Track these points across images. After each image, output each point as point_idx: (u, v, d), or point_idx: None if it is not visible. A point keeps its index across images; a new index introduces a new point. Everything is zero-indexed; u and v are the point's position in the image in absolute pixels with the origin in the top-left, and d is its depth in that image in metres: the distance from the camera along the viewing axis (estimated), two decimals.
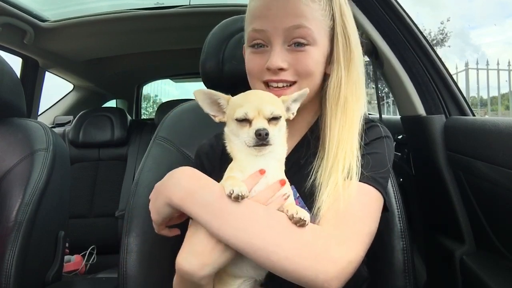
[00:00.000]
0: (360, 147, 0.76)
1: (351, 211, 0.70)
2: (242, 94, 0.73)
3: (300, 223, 0.65)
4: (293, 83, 0.80)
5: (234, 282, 0.73)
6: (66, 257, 2.07)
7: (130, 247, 0.96)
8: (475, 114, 1.26)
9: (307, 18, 0.77)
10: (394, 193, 0.97)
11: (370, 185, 0.74)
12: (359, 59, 0.83)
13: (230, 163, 0.75)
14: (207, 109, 0.74)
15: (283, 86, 0.80)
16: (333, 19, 0.81)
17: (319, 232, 0.68)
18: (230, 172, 0.71)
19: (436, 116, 1.21)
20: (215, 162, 0.88)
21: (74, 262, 2.16)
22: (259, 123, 0.67)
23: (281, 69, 0.78)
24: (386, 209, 0.79)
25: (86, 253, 2.27)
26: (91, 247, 2.31)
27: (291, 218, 0.66)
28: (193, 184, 0.70)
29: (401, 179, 1.53)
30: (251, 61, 0.84)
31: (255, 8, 0.81)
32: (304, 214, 0.65)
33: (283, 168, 0.74)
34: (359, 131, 0.78)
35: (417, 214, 1.50)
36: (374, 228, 0.72)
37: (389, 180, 0.97)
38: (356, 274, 0.71)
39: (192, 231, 0.70)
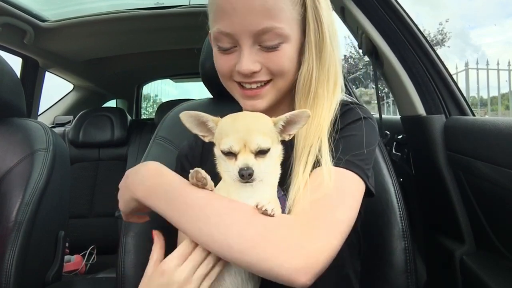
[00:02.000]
0: (332, 133, 0.72)
1: (323, 198, 0.64)
2: (231, 118, 0.68)
3: (265, 213, 0.61)
4: (268, 81, 0.76)
5: None
6: (66, 257, 2.08)
7: (128, 247, 0.96)
8: (475, 114, 1.26)
9: (276, 15, 0.70)
10: (395, 193, 0.97)
11: (345, 168, 0.68)
12: (333, 42, 0.76)
13: (209, 162, 0.73)
14: (195, 130, 0.70)
15: (257, 87, 0.76)
16: (304, 4, 0.74)
17: (285, 221, 0.63)
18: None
19: (436, 116, 1.21)
20: (194, 163, 0.85)
21: (74, 262, 2.16)
22: (243, 160, 0.62)
23: (254, 72, 0.74)
24: (370, 194, 0.72)
25: (86, 253, 2.27)
26: (91, 247, 2.31)
27: (259, 208, 0.62)
28: (156, 180, 0.69)
29: (401, 179, 1.53)
30: (219, 60, 0.78)
31: (219, 6, 0.73)
32: (271, 206, 0.61)
33: (275, 190, 0.70)
34: (332, 118, 0.74)
35: (417, 214, 1.50)
36: (352, 213, 0.66)
37: (390, 180, 0.97)
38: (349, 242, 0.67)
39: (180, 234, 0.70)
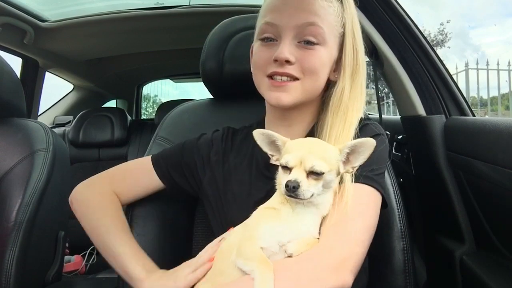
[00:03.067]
0: None
1: (345, 214, 0.69)
2: (299, 140, 0.72)
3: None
4: (296, 79, 0.80)
5: None
6: (66, 257, 2.07)
7: None
8: (475, 114, 1.26)
9: (320, 18, 0.78)
10: (394, 193, 0.97)
11: (365, 184, 0.73)
12: (364, 74, 0.83)
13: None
14: (266, 148, 0.74)
15: (286, 80, 0.80)
16: (344, 27, 0.82)
17: (309, 254, 0.67)
18: (266, 211, 0.72)
19: (436, 116, 1.21)
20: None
21: (74, 262, 2.16)
22: (294, 175, 0.65)
23: (288, 62, 0.78)
24: (385, 205, 0.78)
25: (86, 253, 2.27)
26: (91, 247, 2.30)
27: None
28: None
29: (401, 179, 1.53)
30: (259, 52, 0.83)
31: (270, 2, 0.82)
32: (293, 247, 0.66)
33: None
34: (352, 136, 0.78)
35: (417, 214, 1.50)
36: (371, 222, 0.72)
37: (389, 180, 0.98)
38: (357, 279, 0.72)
39: None
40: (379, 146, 0.76)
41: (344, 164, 0.69)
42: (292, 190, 0.63)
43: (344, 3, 0.83)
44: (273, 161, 0.74)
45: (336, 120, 0.79)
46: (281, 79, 0.80)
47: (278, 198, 0.72)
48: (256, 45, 0.85)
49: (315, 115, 0.89)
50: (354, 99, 0.81)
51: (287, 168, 0.66)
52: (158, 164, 0.92)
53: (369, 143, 0.67)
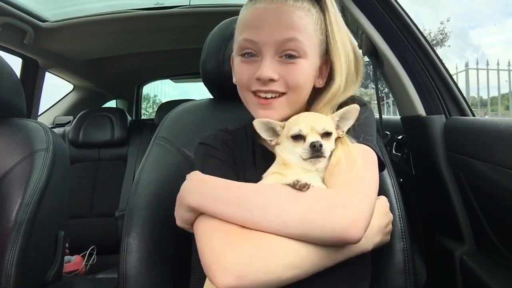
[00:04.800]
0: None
1: (357, 170, 0.72)
2: (294, 116, 0.79)
3: (304, 187, 0.68)
4: (282, 94, 0.81)
5: None
6: (66, 258, 2.07)
7: (130, 247, 0.96)
8: (475, 114, 1.26)
9: (299, 31, 0.78)
10: (394, 193, 0.97)
11: (364, 143, 0.78)
12: (361, 64, 0.86)
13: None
14: (264, 135, 0.79)
15: (272, 97, 0.81)
16: (324, 33, 0.82)
17: (325, 192, 0.70)
18: (273, 175, 0.77)
19: (436, 116, 1.21)
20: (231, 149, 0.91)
21: (74, 262, 2.16)
22: (313, 137, 0.73)
23: (271, 80, 0.78)
24: (382, 167, 0.82)
25: (86, 254, 2.27)
26: (91, 247, 2.31)
27: (294, 185, 0.68)
28: (203, 187, 0.75)
29: (401, 179, 1.53)
30: (241, 70, 0.83)
31: (248, 18, 0.81)
32: (305, 178, 0.69)
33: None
34: None
35: (417, 214, 1.50)
36: (376, 175, 0.76)
37: (389, 180, 0.98)
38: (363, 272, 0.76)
39: None
40: (367, 114, 0.83)
41: (336, 129, 0.79)
42: (319, 148, 0.71)
43: (323, 6, 0.82)
44: (272, 143, 0.80)
45: (325, 109, 0.83)
46: (266, 96, 0.81)
47: (277, 166, 0.78)
48: (236, 61, 0.85)
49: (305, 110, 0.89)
50: (347, 91, 0.84)
51: (300, 137, 0.74)
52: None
53: (354, 108, 0.78)
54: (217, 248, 0.67)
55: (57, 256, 1.24)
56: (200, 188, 0.75)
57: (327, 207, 0.67)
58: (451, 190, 1.17)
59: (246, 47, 0.80)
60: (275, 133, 0.79)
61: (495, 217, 1.04)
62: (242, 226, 0.69)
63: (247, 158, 0.89)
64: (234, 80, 0.90)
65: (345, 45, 0.83)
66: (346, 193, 0.69)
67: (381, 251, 0.88)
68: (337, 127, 0.79)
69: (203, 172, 0.79)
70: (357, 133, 0.79)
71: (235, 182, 0.74)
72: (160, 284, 0.91)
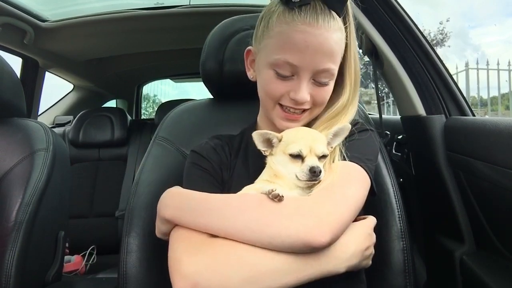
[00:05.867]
0: (343, 144, 0.82)
1: (330, 183, 0.73)
2: (293, 131, 0.81)
3: (276, 197, 0.69)
4: (307, 109, 0.85)
5: None
6: (66, 257, 2.07)
7: (130, 247, 0.96)
8: (475, 114, 1.26)
9: (335, 60, 0.81)
10: (394, 193, 0.97)
11: (353, 162, 0.78)
12: (358, 79, 0.89)
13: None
14: (260, 146, 0.80)
15: (297, 113, 0.85)
16: (344, 43, 0.84)
17: (294, 199, 0.71)
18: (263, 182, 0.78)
19: (436, 116, 1.21)
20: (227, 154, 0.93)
21: (74, 262, 2.15)
22: (313, 161, 0.73)
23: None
24: (373, 193, 0.80)
25: (86, 253, 2.27)
26: (91, 247, 2.30)
27: (268, 194, 0.69)
28: (177, 200, 0.78)
29: (401, 179, 1.53)
30: (275, 84, 0.83)
31: (292, 39, 0.78)
32: (280, 190, 0.69)
33: None
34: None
35: (417, 214, 1.50)
36: (359, 195, 0.74)
37: (389, 180, 0.98)
38: (355, 280, 0.76)
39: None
40: (367, 138, 0.85)
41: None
42: (318, 174, 0.72)
43: (347, 21, 0.83)
44: (266, 154, 0.81)
45: (329, 123, 0.85)
46: (294, 112, 0.85)
47: (268, 173, 0.79)
48: (269, 74, 0.83)
49: None
50: (350, 107, 0.87)
51: (298, 157, 0.74)
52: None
53: (346, 127, 0.80)
54: (178, 256, 0.69)
55: (57, 256, 1.24)
56: (174, 202, 0.78)
57: (293, 212, 0.67)
58: (451, 190, 1.17)
59: (286, 69, 0.80)
60: (270, 144, 0.80)
61: (495, 217, 1.04)
62: (213, 236, 0.71)
63: (239, 164, 0.90)
64: (250, 75, 0.93)
65: (355, 61, 0.86)
66: (314, 200, 0.70)
67: (381, 251, 0.88)
68: (328, 143, 0.80)
69: (187, 180, 0.86)
70: (352, 151, 0.80)
71: (208, 194, 0.76)
72: (160, 284, 0.91)
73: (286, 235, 0.65)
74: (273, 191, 0.69)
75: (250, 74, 0.93)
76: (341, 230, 0.68)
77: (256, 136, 0.79)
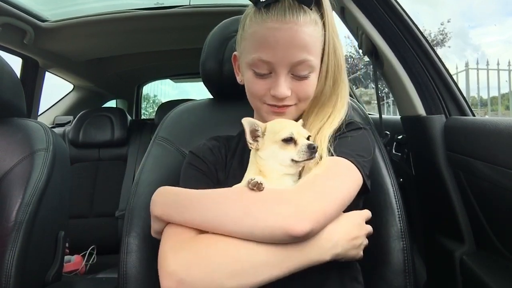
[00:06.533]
0: (334, 139, 0.82)
1: (319, 178, 0.73)
2: (275, 121, 0.82)
3: (255, 186, 0.69)
4: (293, 104, 0.86)
5: None
6: (66, 257, 2.07)
7: (130, 247, 0.96)
8: (475, 114, 1.26)
9: (310, 51, 0.81)
10: (394, 193, 0.97)
11: (341, 157, 0.77)
12: (345, 70, 0.89)
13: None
14: (248, 136, 0.80)
15: (283, 106, 0.85)
16: (323, 36, 0.84)
17: (277, 190, 0.71)
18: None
19: (436, 116, 1.21)
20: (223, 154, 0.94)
21: (74, 262, 2.15)
22: (305, 141, 0.76)
23: (286, 96, 0.83)
24: (366, 191, 0.79)
25: (86, 253, 2.27)
26: (91, 247, 2.30)
27: (248, 184, 0.70)
28: (165, 197, 0.80)
29: (401, 179, 1.53)
30: (255, 84, 0.86)
31: (261, 36, 0.81)
32: (259, 178, 0.70)
33: None
34: (335, 129, 0.84)
35: (417, 214, 1.50)
36: (346, 189, 0.74)
37: (389, 180, 0.98)
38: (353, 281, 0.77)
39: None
40: (359, 135, 0.85)
41: None
42: (316, 150, 0.74)
43: (324, 13, 0.84)
44: (251, 147, 0.81)
45: (316, 118, 0.87)
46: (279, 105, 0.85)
47: (254, 171, 0.80)
48: (249, 74, 0.86)
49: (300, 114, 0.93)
50: (333, 101, 0.87)
51: (290, 140, 0.76)
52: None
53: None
54: (164, 254, 0.70)
55: (57, 256, 1.24)
56: (164, 199, 0.79)
57: (273, 201, 0.68)
58: (451, 190, 1.17)
59: (261, 67, 0.83)
60: (255, 136, 0.80)
61: (495, 217, 1.04)
62: (202, 232, 0.71)
63: (235, 164, 0.90)
64: (239, 80, 0.95)
65: (337, 55, 0.86)
66: (296, 190, 0.71)
67: (381, 251, 0.88)
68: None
69: (182, 180, 0.87)
70: (342, 147, 0.80)
71: (193, 190, 0.77)
72: (160, 284, 0.91)
73: (265, 225, 0.65)
74: (252, 180, 0.70)
75: (239, 79, 0.95)
76: (323, 221, 0.68)
77: (245, 122, 0.80)
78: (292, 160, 0.75)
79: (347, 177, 0.76)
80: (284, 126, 0.79)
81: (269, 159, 0.78)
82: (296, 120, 0.86)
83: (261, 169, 0.79)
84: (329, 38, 0.84)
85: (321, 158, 0.77)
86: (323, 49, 0.85)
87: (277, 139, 0.77)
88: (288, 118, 0.86)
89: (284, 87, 0.81)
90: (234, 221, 0.67)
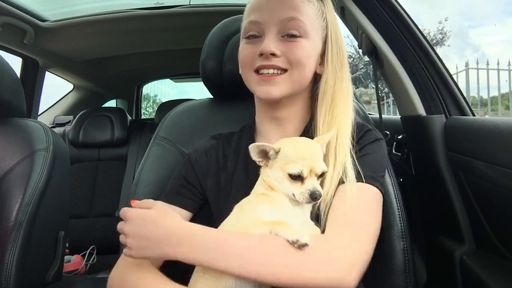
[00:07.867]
0: (355, 152, 0.80)
1: (350, 211, 0.73)
2: (290, 143, 0.75)
3: (303, 246, 0.65)
4: (284, 71, 0.82)
5: None
6: (66, 257, 2.07)
7: None
8: (475, 114, 1.26)
9: (301, 12, 0.81)
10: (394, 193, 0.97)
11: (370, 184, 0.77)
12: (348, 70, 0.88)
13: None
14: (255, 157, 0.76)
15: (274, 73, 0.82)
16: (325, 21, 0.86)
17: (319, 243, 0.68)
18: (259, 196, 0.76)
19: (436, 116, 1.21)
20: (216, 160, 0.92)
21: (74, 262, 2.15)
22: (313, 183, 0.71)
23: (273, 55, 0.80)
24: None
25: (86, 253, 2.27)
26: (91, 247, 2.30)
27: (293, 243, 0.65)
28: (185, 234, 0.69)
29: (401, 179, 1.53)
30: (244, 50, 0.86)
31: (253, 2, 0.86)
32: (304, 237, 0.65)
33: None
34: (351, 134, 0.81)
35: (417, 214, 1.50)
36: (377, 220, 0.75)
37: (389, 180, 0.98)
38: None
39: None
40: (380, 151, 0.84)
41: None
42: (318, 198, 0.70)
43: (324, 1, 0.87)
44: (260, 164, 0.77)
45: (327, 115, 0.83)
46: (269, 73, 0.82)
47: (263, 185, 0.77)
48: (241, 44, 0.88)
49: (305, 113, 0.91)
50: (343, 92, 0.85)
51: (298, 178, 0.71)
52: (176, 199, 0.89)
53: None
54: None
55: (57, 256, 1.24)
56: (184, 238, 0.68)
57: (320, 258, 0.66)
58: (451, 190, 1.17)
59: (251, 29, 0.84)
60: (266, 155, 0.76)
61: (495, 217, 1.04)
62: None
63: (241, 169, 0.89)
64: (240, 67, 0.92)
65: (338, 41, 0.86)
66: (340, 242, 0.69)
67: (382, 251, 0.88)
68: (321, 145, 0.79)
69: (168, 189, 0.89)
70: (366, 168, 0.77)
71: (224, 232, 0.73)
72: None
73: (314, 283, 0.65)
74: (298, 241, 0.65)
75: (241, 69, 0.93)
76: (366, 266, 0.70)
77: (252, 148, 0.76)
78: (294, 194, 0.72)
79: (377, 211, 0.77)
80: (295, 157, 0.72)
81: (276, 183, 0.75)
82: (308, 121, 0.86)
83: (271, 186, 0.76)
84: (331, 27, 0.86)
85: (345, 176, 0.76)
86: (326, 33, 0.86)
87: (285, 170, 0.72)
88: (280, 88, 0.82)
89: (270, 43, 0.80)
90: (280, 279, 0.65)
